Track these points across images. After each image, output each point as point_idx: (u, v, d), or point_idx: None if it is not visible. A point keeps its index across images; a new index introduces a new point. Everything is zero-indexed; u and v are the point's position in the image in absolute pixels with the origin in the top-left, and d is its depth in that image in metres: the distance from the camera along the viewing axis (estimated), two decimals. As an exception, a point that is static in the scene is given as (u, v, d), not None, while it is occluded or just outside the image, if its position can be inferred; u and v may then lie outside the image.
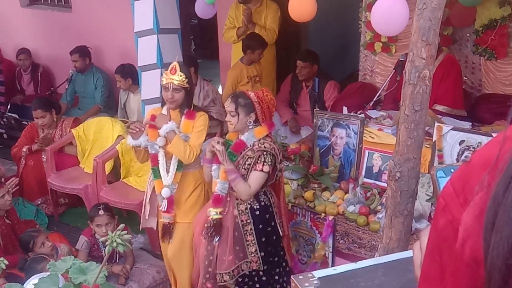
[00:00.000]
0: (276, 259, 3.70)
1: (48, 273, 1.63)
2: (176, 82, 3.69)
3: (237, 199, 3.59)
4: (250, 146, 3.51)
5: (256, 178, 3.49)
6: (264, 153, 3.46)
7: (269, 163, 3.46)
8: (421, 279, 0.79)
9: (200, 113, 3.87)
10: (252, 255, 3.58)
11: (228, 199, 3.62)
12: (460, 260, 0.68)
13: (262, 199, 3.59)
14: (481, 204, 0.65)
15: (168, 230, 3.98)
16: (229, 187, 3.56)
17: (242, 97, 3.51)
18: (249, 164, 3.50)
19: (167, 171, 3.86)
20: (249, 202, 3.57)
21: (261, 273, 3.65)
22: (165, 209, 3.89)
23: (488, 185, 0.65)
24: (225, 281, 3.61)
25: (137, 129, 3.78)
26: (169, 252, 4.06)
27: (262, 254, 3.60)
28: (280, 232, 3.67)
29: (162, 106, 3.89)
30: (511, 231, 0.60)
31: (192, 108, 3.86)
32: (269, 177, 3.54)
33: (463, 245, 0.67)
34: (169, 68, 3.75)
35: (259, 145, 3.49)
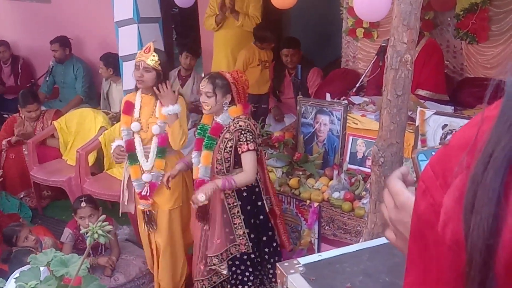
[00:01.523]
0: (264, 238, 3.70)
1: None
2: (147, 62, 3.64)
3: None
4: (227, 127, 3.50)
5: (248, 159, 3.47)
6: (242, 131, 3.45)
7: (251, 140, 3.45)
8: (407, 263, 0.79)
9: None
10: (240, 238, 3.57)
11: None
12: (442, 243, 0.68)
13: None
14: (461, 186, 0.65)
15: (150, 218, 3.95)
16: (211, 171, 3.56)
17: (219, 78, 3.48)
18: (231, 147, 3.48)
19: (146, 157, 3.83)
20: None
21: (252, 255, 3.66)
22: (148, 194, 3.85)
23: (467, 167, 0.65)
24: (214, 264, 3.60)
25: (121, 156, 3.85)
26: (160, 242, 4.02)
27: (252, 236, 3.60)
28: (267, 208, 3.66)
29: (137, 90, 3.85)
30: (490, 211, 0.60)
31: None
32: None
33: (444, 228, 0.67)
34: (144, 47, 3.72)
35: (234, 125, 3.47)
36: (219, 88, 3.45)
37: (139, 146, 3.81)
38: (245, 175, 3.48)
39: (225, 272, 3.63)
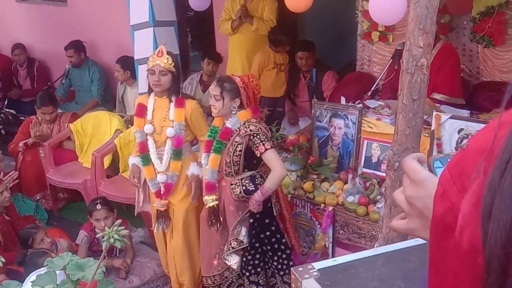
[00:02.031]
0: (268, 233, 3.71)
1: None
2: (162, 65, 3.67)
3: (231, 184, 3.60)
4: (237, 131, 3.51)
5: (270, 158, 3.48)
6: (253, 135, 3.46)
7: (265, 140, 3.46)
8: (429, 266, 0.79)
9: (190, 102, 3.85)
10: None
11: (224, 184, 3.64)
12: (460, 248, 0.68)
13: (258, 182, 3.59)
14: (478, 191, 0.65)
15: (166, 218, 3.98)
16: (221, 173, 3.59)
17: (228, 81, 3.51)
18: (240, 151, 3.50)
19: (160, 159, 3.85)
20: (244, 184, 3.57)
21: (258, 251, 3.69)
22: (163, 192, 3.88)
23: (484, 172, 0.65)
24: (232, 247, 3.64)
25: (137, 181, 4.00)
26: (178, 243, 4.05)
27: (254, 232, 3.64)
28: (275, 212, 3.67)
29: (150, 93, 3.88)
30: (508, 218, 0.59)
31: (180, 95, 3.84)
32: (261, 158, 3.54)
33: (462, 233, 0.67)
34: (156, 51, 3.74)
35: (245, 129, 3.49)
36: (227, 91, 3.46)
37: (153, 148, 3.84)
38: (273, 174, 3.49)
39: (235, 266, 3.64)
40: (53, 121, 5.76)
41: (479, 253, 0.63)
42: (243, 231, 3.60)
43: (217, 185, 3.62)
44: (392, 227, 1.00)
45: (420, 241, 2.03)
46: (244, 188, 3.57)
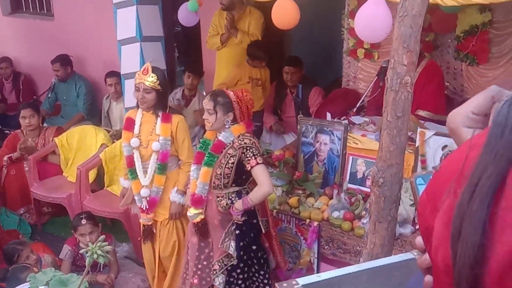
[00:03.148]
0: (252, 254, 3.69)
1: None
2: (147, 83, 3.71)
3: (218, 197, 3.60)
4: (230, 144, 3.52)
5: (259, 173, 3.48)
6: (247, 148, 3.47)
7: (257, 154, 3.48)
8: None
9: (176, 117, 3.88)
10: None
11: (210, 197, 3.63)
12: (438, 267, 0.69)
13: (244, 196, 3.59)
14: (448, 211, 0.66)
15: (150, 232, 3.98)
16: (209, 186, 3.58)
17: (221, 95, 3.52)
18: (232, 163, 3.50)
19: (144, 172, 3.86)
20: (230, 198, 3.57)
21: (243, 267, 3.67)
22: (146, 208, 3.89)
23: (454, 193, 0.66)
24: (215, 270, 3.62)
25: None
26: (164, 253, 4.06)
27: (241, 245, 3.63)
28: (263, 229, 3.67)
29: (138, 107, 3.90)
30: (476, 240, 0.60)
31: (167, 110, 3.87)
32: (250, 175, 3.55)
33: (436, 252, 0.68)
34: (142, 69, 3.77)
35: (239, 141, 3.50)
36: (220, 105, 3.47)
37: (138, 162, 3.87)
38: (259, 188, 3.49)
39: (221, 287, 3.62)
40: (35, 128, 5.68)
41: (451, 273, 0.64)
42: (232, 244, 3.58)
43: (205, 199, 3.62)
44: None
45: (403, 257, 2.04)
46: (230, 201, 3.57)
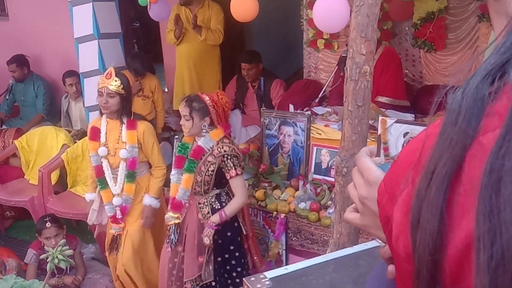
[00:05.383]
0: (233, 262, 3.68)
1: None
2: (111, 88, 3.64)
3: (199, 203, 3.57)
4: (209, 150, 3.48)
5: (237, 185, 3.49)
6: (227, 156, 3.45)
7: (237, 165, 3.47)
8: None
9: (142, 123, 3.82)
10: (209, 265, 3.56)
11: (191, 202, 3.60)
12: (399, 256, 0.69)
13: (224, 199, 3.57)
14: (407, 200, 0.66)
15: (115, 241, 3.92)
16: (190, 193, 3.56)
17: (197, 100, 3.46)
18: (212, 171, 3.47)
19: (115, 181, 3.81)
20: (211, 203, 3.55)
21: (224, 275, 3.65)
22: (120, 217, 3.84)
23: (412, 181, 0.66)
24: None
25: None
26: (124, 260, 3.97)
27: (219, 258, 3.60)
28: (244, 231, 3.66)
29: (102, 115, 3.83)
30: (434, 227, 0.61)
31: (132, 116, 3.81)
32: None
33: (397, 241, 0.68)
34: (105, 73, 3.70)
35: (218, 149, 3.45)
36: (196, 111, 3.42)
37: (107, 170, 3.80)
38: (236, 201, 3.51)
39: None
40: None
41: (412, 261, 0.64)
42: (211, 268, 3.56)
43: (186, 204, 3.59)
44: (345, 219, 1.01)
45: (369, 245, 2.07)
46: (211, 207, 3.55)
